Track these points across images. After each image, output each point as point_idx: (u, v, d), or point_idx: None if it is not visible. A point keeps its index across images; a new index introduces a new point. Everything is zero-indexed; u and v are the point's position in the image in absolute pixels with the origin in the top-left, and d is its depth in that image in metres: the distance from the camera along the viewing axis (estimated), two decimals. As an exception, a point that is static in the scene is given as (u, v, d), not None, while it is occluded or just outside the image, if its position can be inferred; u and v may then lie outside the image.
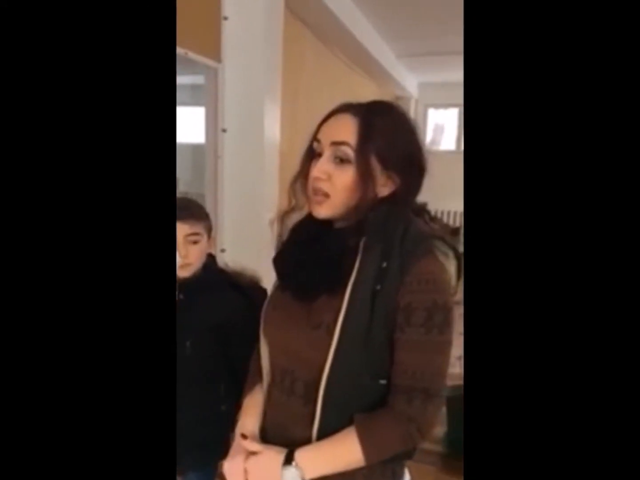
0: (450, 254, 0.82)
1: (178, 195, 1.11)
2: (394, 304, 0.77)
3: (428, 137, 7.24)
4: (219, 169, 2.42)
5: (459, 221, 6.65)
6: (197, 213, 1.18)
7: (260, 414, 0.91)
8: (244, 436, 0.85)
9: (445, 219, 6.71)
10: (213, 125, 2.39)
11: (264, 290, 1.21)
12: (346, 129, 0.81)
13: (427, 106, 7.25)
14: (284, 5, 2.59)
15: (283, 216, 0.92)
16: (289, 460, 0.78)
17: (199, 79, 2.47)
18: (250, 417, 0.91)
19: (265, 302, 0.93)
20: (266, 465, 0.80)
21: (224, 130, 2.39)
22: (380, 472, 0.83)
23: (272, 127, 2.51)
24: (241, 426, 0.90)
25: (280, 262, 0.90)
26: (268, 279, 1.04)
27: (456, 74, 4.33)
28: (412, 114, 6.65)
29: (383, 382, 0.79)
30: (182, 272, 1.15)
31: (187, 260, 1.15)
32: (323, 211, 0.83)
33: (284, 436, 0.83)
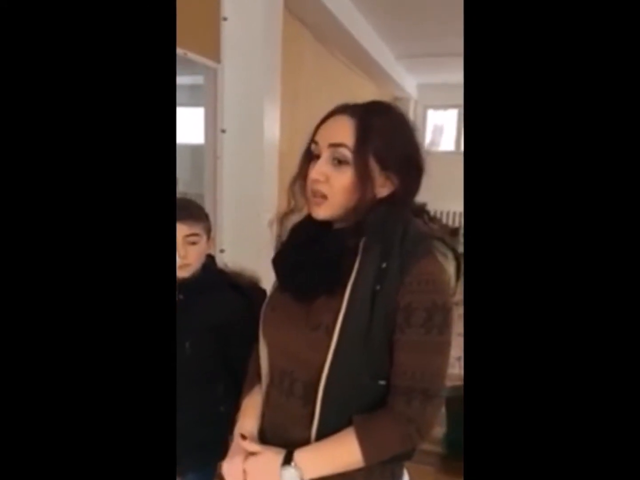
0: (450, 254, 0.82)
1: (177, 195, 1.11)
2: (393, 304, 0.77)
3: (427, 138, 7.25)
4: (218, 169, 2.42)
5: (458, 222, 6.65)
6: (196, 213, 1.18)
7: (259, 414, 0.90)
8: (243, 436, 0.85)
9: (444, 220, 6.71)
10: (212, 125, 2.39)
11: (263, 291, 1.21)
12: (343, 131, 0.80)
13: (426, 107, 7.26)
14: (283, 6, 2.60)
15: (282, 218, 0.92)
16: (287, 460, 0.78)
17: (198, 80, 2.47)
18: (249, 418, 0.91)
19: (265, 303, 0.93)
20: (265, 466, 0.80)
21: (223, 131, 2.39)
22: (379, 472, 0.83)
23: (272, 127, 2.51)
24: (240, 427, 0.90)
25: (279, 262, 0.90)
26: (267, 280, 1.04)
27: (455, 75, 4.33)
28: (411, 114, 6.66)
29: (382, 382, 0.79)
30: (181, 273, 1.15)
31: (186, 260, 1.14)
32: (322, 212, 0.83)
33: (283, 437, 0.83)
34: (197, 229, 1.16)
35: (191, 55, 2.13)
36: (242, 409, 0.94)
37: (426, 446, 2.15)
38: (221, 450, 0.95)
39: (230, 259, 1.44)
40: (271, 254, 0.92)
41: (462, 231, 0.74)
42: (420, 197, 0.88)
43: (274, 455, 0.79)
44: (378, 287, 0.77)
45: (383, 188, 0.83)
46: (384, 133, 0.80)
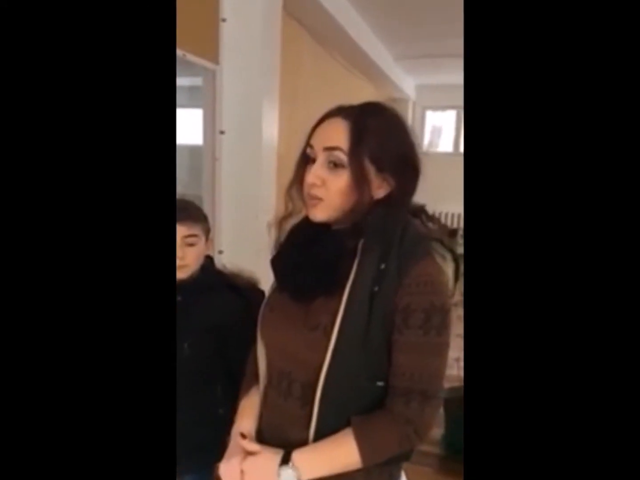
0: (448, 256, 0.83)
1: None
2: (391, 305, 0.77)
3: (426, 139, 7.27)
4: (217, 170, 2.42)
5: (456, 223, 6.66)
6: (195, 215, 1.18)
7: (257, 415, 0.90)
8: (242, 435, 0.85)
9: (442, 221, 6.72)
10: (211, 127, 2.39)
11: (262, 292, 1.21)
12: (338, 134, 0.80)
13: (424, 108, 7.26)
14: (282, 8, 2.60)
15: (281, 221, 0.92)
16: (285, 460, 0.78)
17: (197, 81, 2.47)
18: (246, 419, 0.91)
19: (263, 304, 0.93)
20: (263, 466, 0.80)
21: (221, 132, 2.39)
22: (377, 473, 0.83)
23: (270, 129, 2.51)
24: (237, 428, 0.90)
25: (278, 263, 0.90)
26: (266, 281, 1.04)
27: (454, 76, 4.34)
28: (409, 116, 6.68)
29: (380, 384, 0.79)
30: (179, 274, 1.15)
31: (185, 262, 1.14)
32: (319, 214, 0.83)
33: (281, 438, 0.83)
34: (196, 230, 1.16)
35: (190, 57, 2.13)
36: (239, 409, 0.94)
37: (424, 447, 2.15)
38: (219, 452, 0.95)
39: (228, 260, 1.44)
40: (269, 255, 0.93)
41: (460, 232, 0.74)
42: (419, 199, 0.88)
43: (272, 456, 0.79)
44: (376, 288, 0.77)
45: (380, 189, 0.83)
46: (379, 134, 0.80)
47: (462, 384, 0.68)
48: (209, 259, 1.26)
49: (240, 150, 2.41)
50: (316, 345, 0.78)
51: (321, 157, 0.81)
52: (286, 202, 0.91)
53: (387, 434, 0.79)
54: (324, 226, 0.85)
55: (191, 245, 1.15)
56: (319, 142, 0.82)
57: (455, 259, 0.83)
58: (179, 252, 1.13)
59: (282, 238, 0.92)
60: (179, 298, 1.15)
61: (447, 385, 0.91)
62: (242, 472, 0.81)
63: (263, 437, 0.87)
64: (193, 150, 2.59)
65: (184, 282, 1.16)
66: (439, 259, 0.81)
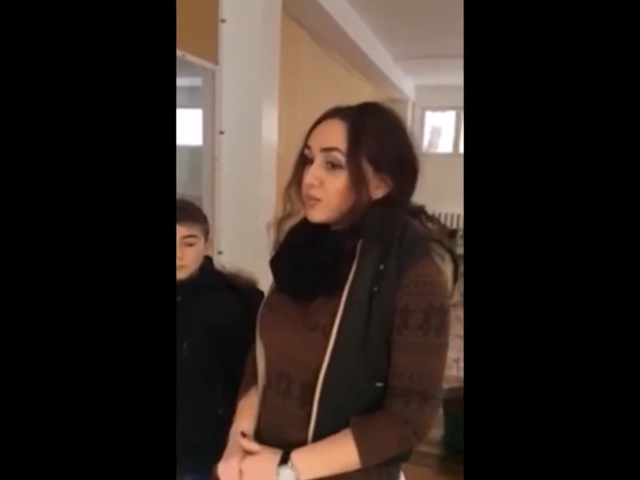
0: (447, 256, 0.83)
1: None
2: (391, 306, 0.77)
3: (425, 140, 7.27)
4: (217, 171, 2.42)
5: (456, 224, 6.66)
6: (194, 215, 1.18)
7: (256, 415, 0.90)
8: (243, 434, 0.85)
9: (442, 222, 6.71)
10: (210, 127, 2.38)
11: (261, 293, 1.21)
12: (335, 134, 0.80)
13: (424, 109, 7.27)
14: (281, 8, 2.60)
15: (280, 222, 0.92)
16: (284, 460, 0.77)
17: (196, 81, 2.47)
18: (245, 419, 0.90)
19: (262, 304, 0.93)
20: (262, 466, 0.80)
21: (221, 133, 2.39)
22: (376, 474, 0.83)
23: (270, 129, 2.51)
24: (236, 428, 0.90)
25: (277, 264, 0.90)
26: (265, 281, 1.04)
27: (453, 77, 4.35)
28: (409, 116, 6.68)
29: (379, 384, 0.79)
30: (178, 274, 1.15)
31: (184, 262, 1.15)
32: (317, 215, 0.83)
33: (280, 438, 0.83)
34: (195, 230, 1.16)
35: (189, 57, 2.13)
36: (238, 409, 0.93)
37: (423, 448, 2.15)
38: (218, 452, 0.95)
39: (228, 260, 1.44)
40: (268, 256, 0.93)
41: (460, 233, 0.74)
42: (418, 199, 0.88)
43: (271, 456, 0.79)
44: (375, 289, 0.77)
45: (378, 190, 0.83)
46: (376, 135, 0.80)
47: (461, 384, 0.68)
48: (208, 260, 1.26)
49: (240, 150, 2.41)
50: (315, 346, 0.78)
51: (319, 158, 0.81)
52: (284, 203, 0.91)
53: (386, 434, 0.79)
54: (323, 227, 0.85)
55: (190, 245, 1.15)
56: (316, 143, 0.82)
57: (454, 260, 0.83)
58: (178, 252, 1.13)
59: (281, 239, 0.92)
60: (178, 298, 1.15)
61: (446, 385, 0.91)
62: (241, 472, 0.81)
63: (262, 437, 0.87)
64: (193, 150, 2.59)
65: (183, 282, 1.16)
66: (437, 260, 0.81)
